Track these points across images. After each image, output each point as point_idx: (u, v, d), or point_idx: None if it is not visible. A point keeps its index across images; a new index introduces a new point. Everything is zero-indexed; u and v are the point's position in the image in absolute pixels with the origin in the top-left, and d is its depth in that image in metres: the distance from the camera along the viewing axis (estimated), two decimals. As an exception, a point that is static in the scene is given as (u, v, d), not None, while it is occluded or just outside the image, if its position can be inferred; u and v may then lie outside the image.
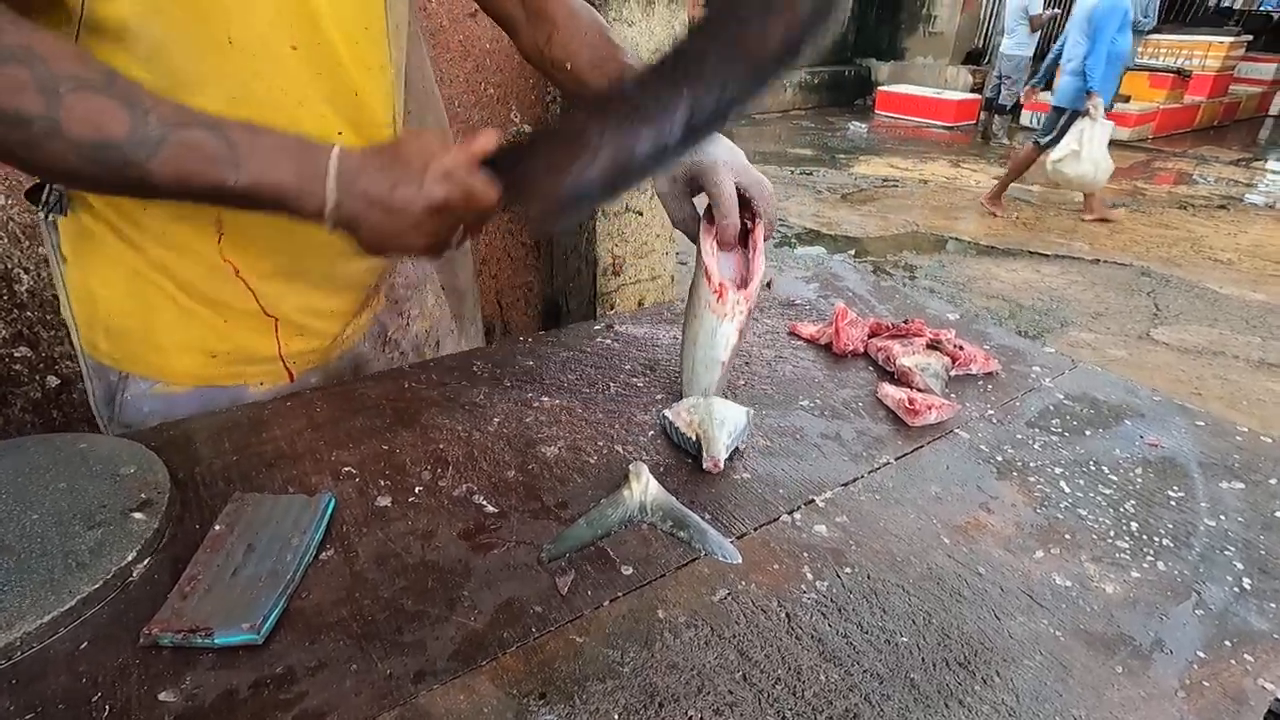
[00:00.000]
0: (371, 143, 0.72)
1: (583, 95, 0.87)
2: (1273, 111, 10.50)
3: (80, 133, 0.55)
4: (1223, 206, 5.98)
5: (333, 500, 0.65)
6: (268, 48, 0.67)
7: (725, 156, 0.79)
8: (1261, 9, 12.56)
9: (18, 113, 0.54)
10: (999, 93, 8.33)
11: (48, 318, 1.52)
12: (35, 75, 0.54)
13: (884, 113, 9.86)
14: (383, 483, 0.70)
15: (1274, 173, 7.24)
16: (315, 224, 0.62)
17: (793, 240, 5.00)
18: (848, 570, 0.62)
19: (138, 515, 0.60)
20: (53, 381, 1.57)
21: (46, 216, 0.77)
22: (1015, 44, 7.94)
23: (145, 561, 0.58)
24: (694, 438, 0.73)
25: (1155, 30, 10.15)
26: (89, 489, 0.63)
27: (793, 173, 6.74)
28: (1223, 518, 0.70)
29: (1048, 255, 4.77)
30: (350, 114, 0.75)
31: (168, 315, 0.78)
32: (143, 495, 0.62)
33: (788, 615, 0.57)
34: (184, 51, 0.64)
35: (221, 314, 0.79)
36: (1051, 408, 0.88)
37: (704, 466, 0.71)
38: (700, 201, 0.83)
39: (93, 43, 0.62)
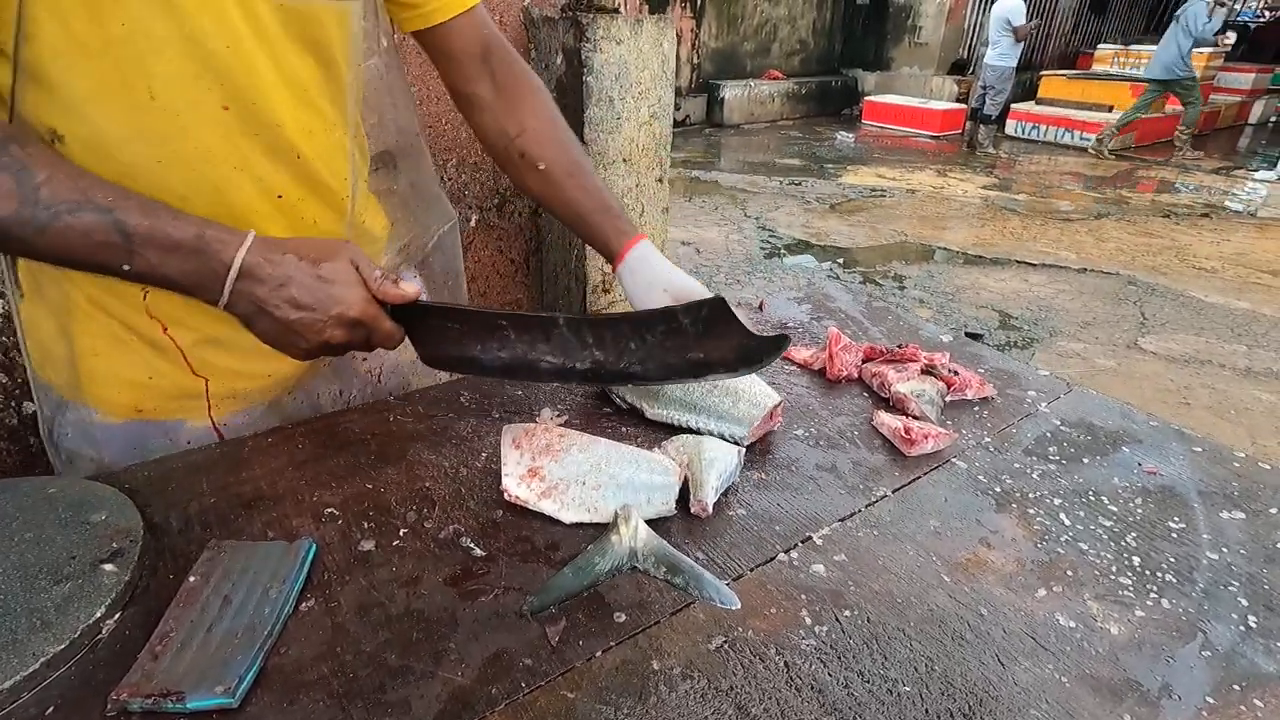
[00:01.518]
0: (297, 229, 0.72)
1: (543, 194, 0.88)
2: (1252, 120, 10.66)
3: None
4: (1205, 215, 6.06)
5: (313, 547, 0.63)
6: (195, 107, 0.65)
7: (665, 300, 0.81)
8: (1239, 20, 12.79)
9: None
10: (984, 102, 8.42)
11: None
12: None
13: (871, 122, 9.93)
14: (366, 525, 0.68)
15: (1255, 181, 7.35)
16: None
17: (782, 251, 5.01)
18: (847, 613, 0.60)
19: (108, 567, 0.58)
20: (29, 408, 1.53)
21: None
22: (999, 55, 8.04)
23: (116, 617, 0.56)
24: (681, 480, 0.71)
25: (1138, 41, 10.32)
26: (57, 539, 0.60)
27: (781, 183, 6.77)
28: (1225, 550, 0.69)
29: (1035, 264, 4.80)
30: (294, 175, 0.73)
31: (102, 344, 0.76)
32: (114, 544, 0.60)
33: (786, 664, 0.55)
34: (104, 106, 0.62)
35: (155, 350, 0.76)
36: (1048, 434, 0.87)
37: (691, 511, 0.69)
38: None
39: (30, 89, 0.60)
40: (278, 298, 0.63)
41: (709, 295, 0.75)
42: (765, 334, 0.74)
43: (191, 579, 0.58)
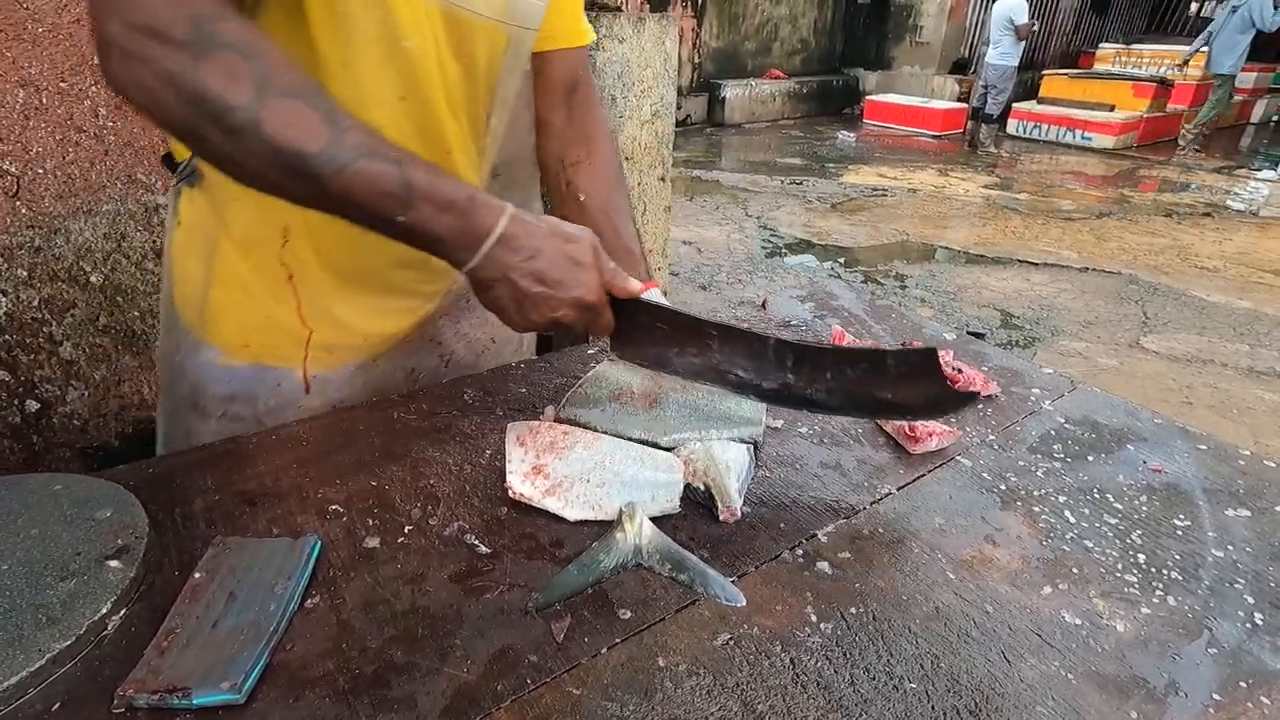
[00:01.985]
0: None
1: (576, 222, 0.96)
2: (1254, 119, 10.65)
3: (276, 133, 0.57)
4: (1207, 214, 6.05)
5: (318, 543, 0.63)
6: (379, 87, 0.72)
7: None
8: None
9: (223, 97, 0.56)
10: (985, 102, 8.41)
11: (27, 341, 1.49)
12: (251, 69, 0.56)
13: (872, 121, 9.93)
14: (371, 522, 0.68)
15: (1257, 180, 7.34)
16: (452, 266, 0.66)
17: (783, 250, 5.01)
18: (852, 610, 0.60)
19: (113, 563, 0.58)
20: (32, 406, 1.54)
21: (176, 184, 0.83)
22: (1000, 54, 8.04)
23: (121, 612, 0.56)
24: (702, 487, 0.70)
25: (1139, 40, 10.28)
26: (62, 535, 0.60)
27: (783, 182, 6.77)
28: (1230, 548, 0.69)
29: (1037, 264, 4.80)
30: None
31: (232, 286, 0.82)
32: (119, 541, 0.60)
33: (792, 660, 0.55)
34: (303, 63, 0.66)
35: (275, 298, 0.83)
36: (1053, 432, 0.86)
37: (720, 518, 0.69)
38: None
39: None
40: (526, 269, 0.65)
41: None
42: (959, 390, 0.75)
43: (197, 575, 0.58)
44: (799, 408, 0.76)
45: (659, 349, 0.74)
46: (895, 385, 0.71)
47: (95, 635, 0.54)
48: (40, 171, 1.41)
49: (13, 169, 1.38)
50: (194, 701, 0.48)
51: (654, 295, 0.83)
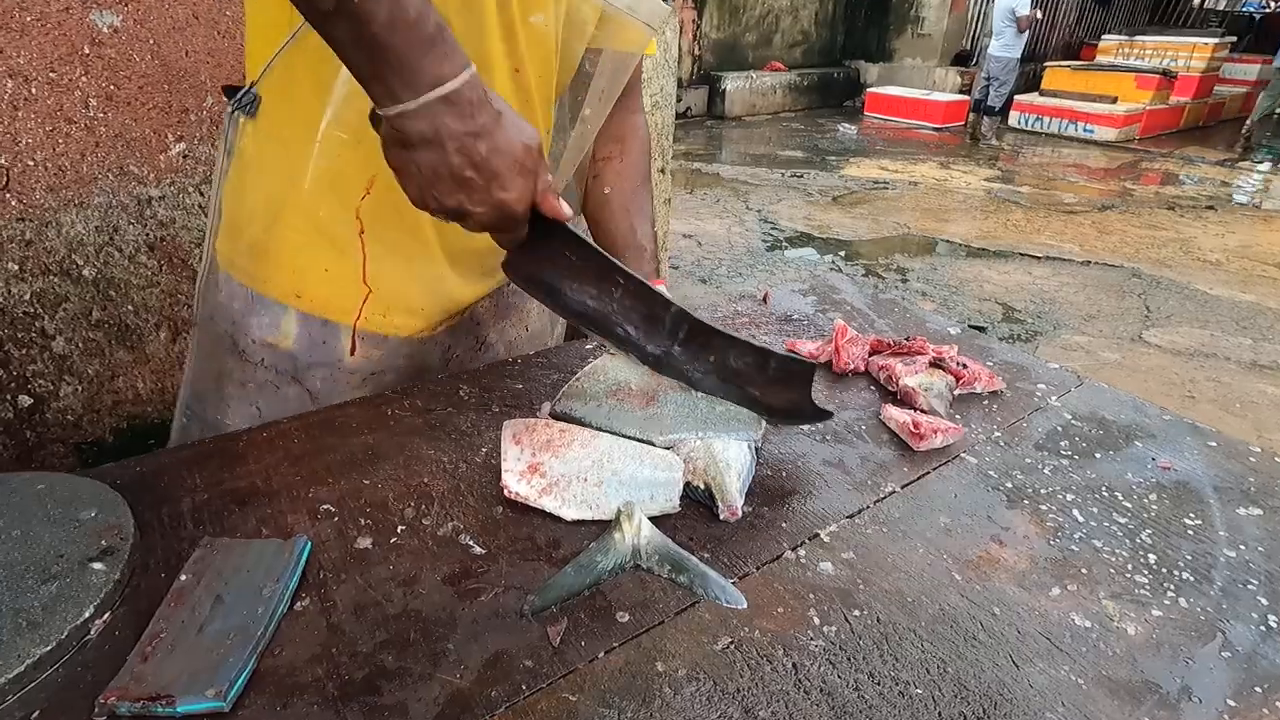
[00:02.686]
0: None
1: (595, 215, 0.95)
2: (1257, 115, 10.58)
3: None
4: (1210, 207, 6.02)
5: (308, 544, 0.61)
6: (493, 68, 0.73)
7: None
8: (1244, 10, 12.69)
9: None
10: (988, 94, 8.36)
11: (19, 335, 1.47)
12: None
13: (873, 114, 9.87)
14: (363, 521, 0.66)
15: (1259, 173, 7.30)
16: (370, 115, 0.58)
17: (784, 244, 4.99)
18: (856, 613, 0.59)
19: (97, 565, 0.56)
20: (25, 401, 1.52)
21: (233, 112, 0.81)
22: (1003, 45, 7.97)
23: (105, 616, 0.54)
24: (702, 486, 0.68)
25: (1142, 32, 10.22)
26: (45, 536, 0.58)
27: (784, 175, 6.73)
28: (1243, 548, 0.67)
29: (1039, 257, 4.77)
30: None
31: (299, 231, 0.81)
32: (104, 542, 0.58)
33: (794, 665, 0.54)
34: None
35: (338, 251, 0.81)
36: (1059, 428, 0.85)
37: (721, 517, 0.67)
38: None
39: None
40: (464, 144, 0.56)
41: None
42: (820, 404, 0.77)
43: (183, 578, 0.56)
44: (672, 377, 0.76)
45: (557, 279, 0.69)
46: (767, 386, 0.74)
47: (77, 640, 0.52)
48: (30, 163, 1.38)
49: (2, 161, 1.35)
50: (178, 710, 0.47)
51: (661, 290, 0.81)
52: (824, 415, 0.76)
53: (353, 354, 0.86)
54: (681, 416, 0.74)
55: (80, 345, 1.54)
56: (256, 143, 0.81)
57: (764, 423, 0.75)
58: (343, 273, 0.83)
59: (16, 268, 1.43)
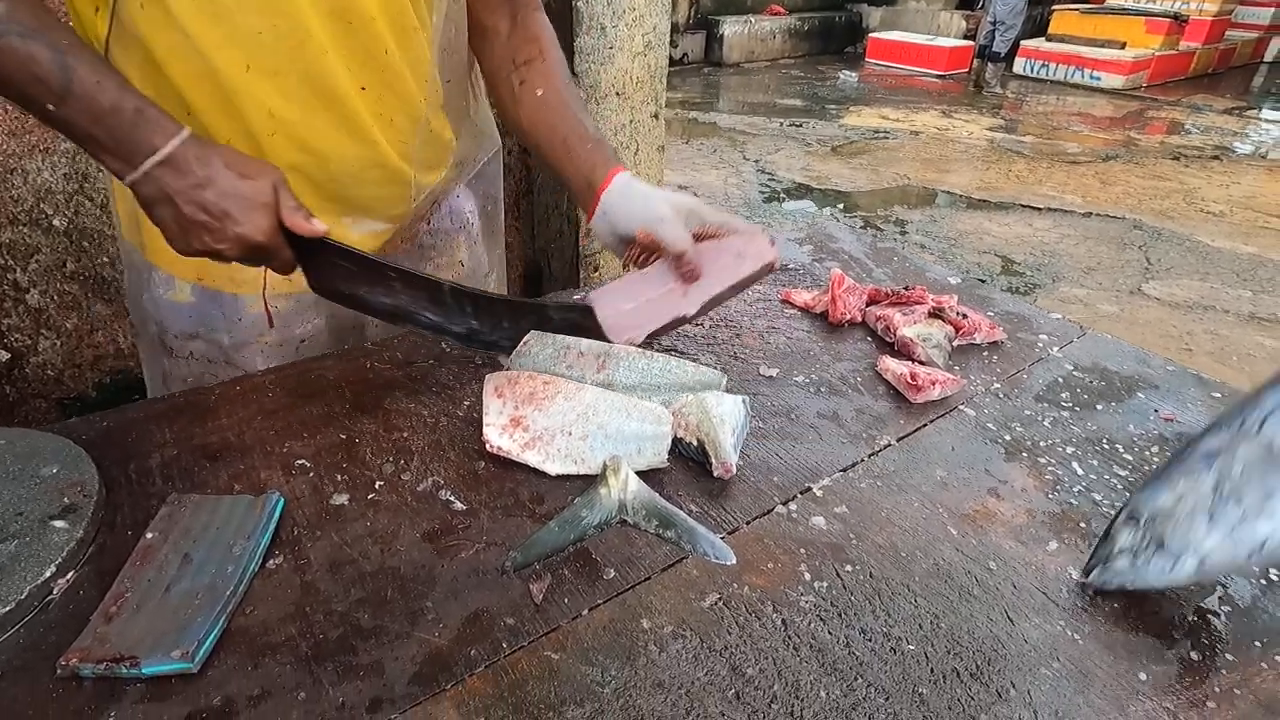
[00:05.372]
0: (376, 121, 0.75)
1: (532, 122, 0.88)
2: (1267, 58, 10.32)
3: None
4: (1215, 157, 5.90)
5: (281, 501, 0.59)
6: None
7: (668, 213, 0.77)
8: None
9: None
10: (993, 39, 8.10)
11: (-9, 289, 1.43)
12: None
13: (875, 61, 9.58)
14: (339, 477, 0.64)
15: (1268, 122, 7.15)
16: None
17: (781, 195, 4.89)
18: (848, 568, 0.57)
19: (59, 523, 0.54)
20: (2, 355, 1.48)
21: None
22: (1010, -13, 7.69)
23: (68, 576, 0.52)
24: (694, 442, 0.66)
25: (1153, -27, 9.84)
26: (3, 493, 0.56)
27: (782, 124, 6.56)
28: (1245, 500, 0.65)
29: (1040, 209, 4.69)
30: (379, 69, 0.74)
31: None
32: (66, 499, 0.56)
33: (784, 622, 0.52)
34: None
35: None
36: (1060, 380, 0.82)
37: (715, 474, 0.65)
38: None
39: None
40: (192, 196, 0.62)
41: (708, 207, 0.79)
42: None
43: (149, 535, 0.54)
44: (492, 350, 0.79)
45: (350, 288, 0.74)
46: (565, 333, 0.76)
47: (39, 600, 0.50)
48: (-11, 106, 1.32)
49: (-41, 104, 1.29)
50: (143, 671, 0.45)
51: (626, 178, 0.80)
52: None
53: (271, 326, 0.83)
54: (633, 382, 0.72)
55: (56, 298, 1.50)
56: None
57: (722, 388, 0.73)
58: None
59: (-17, 217, 1.37)
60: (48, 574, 0.50)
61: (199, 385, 0.79)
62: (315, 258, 0.70)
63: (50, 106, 0.59)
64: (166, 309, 0.82)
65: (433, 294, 0.74)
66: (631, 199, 0.78)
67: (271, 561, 0.55)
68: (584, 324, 0.78)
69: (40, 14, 0.59)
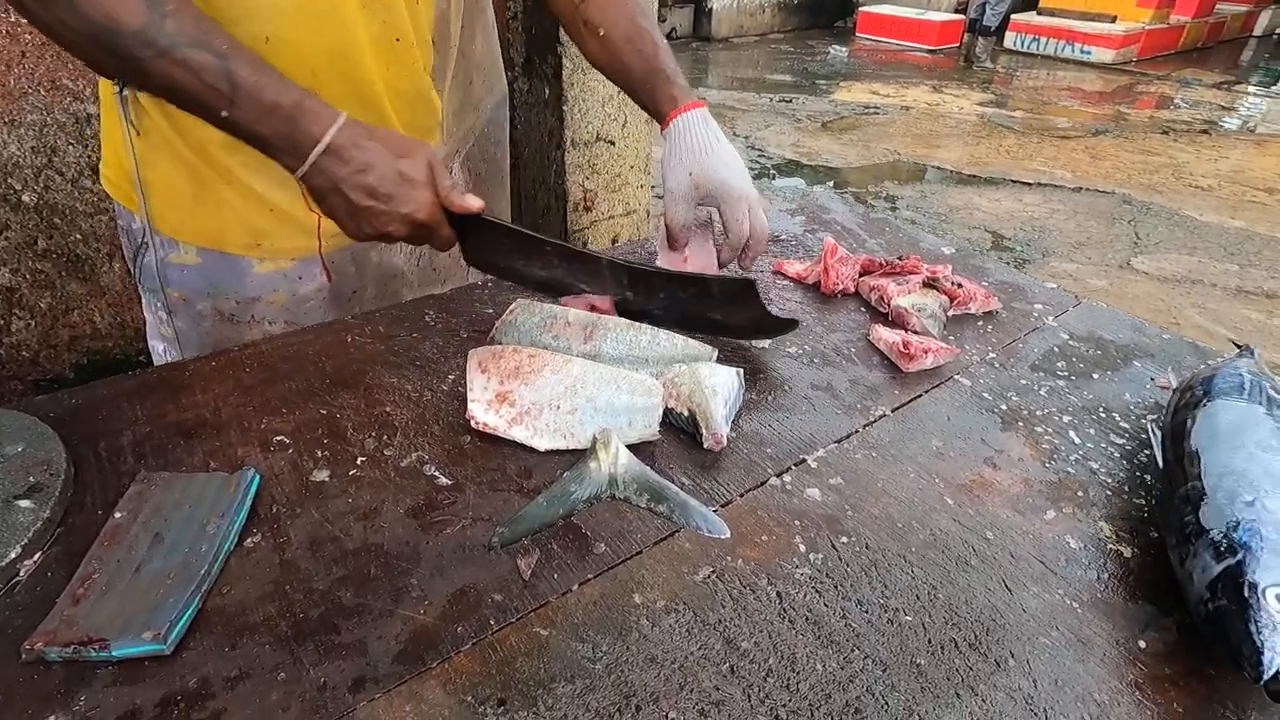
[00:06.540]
0: (406, 74, 0.76)
1: (602, 62, 0.88)
2: (1256, 31, 10.28)
3: (92, 9, 0.55)
4: (1204, 131, 5.90)
5: (257, 477, 0.57)
6: None
7: (753, 195, 0.81)
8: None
9: None
10: (984, 13, 8.04)
11: (-41, 267, 1.38)
12: None
13: (866, 35, 9.47)
14: (320, 453, 0.62)
15: (1255, 96, 7.15)
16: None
17: (772, 171, 4.85)
18: (844, 540, 0.56)
19: (24, 503, 0.52)
20: (-25, 337, 1.44)
21: (121, 90, 0.74)
22: (1002, -41, 7.60)
23: (35, 557, 0.50)
24: (686, 413, 0.64)
25: (1145, -56, 9.73)
26: (-35, 473, 0.53)
27: (772, 100, 6.49)
28: (1242, 467, 0.65)
29: (1030, 184, 4.68)
30: (390, 43, 0.74)
31: (193, 179, 0.76)
32: (31, 478, 0.54)
33: (779, 594, 0.51)
34: None
35: (227, 182, 0.76)
36: (1056, 349, 0.81)
37: (705, 446, 0.63)
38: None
39: None
40: (356, 182, 0.64)
41: (738, 187, 0.80)
42: (781, 315, 0.78)
43: (118, 515, 0.52)
44: (644, 320, 0.77)
45: (505, 261, 0.77)
46: (722, 308, 0.76)
47: (4, 583, 0.48)
48: (-50, 77, 1.27)
49: (-82, 73, 1.24)
50: (113, 653, 0.43)
51: (689, 119, 0.82)
52: (790, 324, 0.77)
53: (330, 280, 0.85)
54: (621, 354, 0.70)
55: (28, 277, 1.46)
56: (143, 113, 0.73)
57: (714, 359, 0.71)
58: (239, 206, 0.77)
59: (-52, 193, 1.33)
60: (12, 555, 0.48)
61: (218, 348, 0.77)
62: (472, 231, 0.72)
63: (223, 113, 0.61)
64: (174, 272, 0.81)
65: (590, 268, 0.76)
66: (673, 152, 0.81)
67: (249, 540, 0.53)
68: (744, 297, 0.75)
69: (201, 20, 0.60)
